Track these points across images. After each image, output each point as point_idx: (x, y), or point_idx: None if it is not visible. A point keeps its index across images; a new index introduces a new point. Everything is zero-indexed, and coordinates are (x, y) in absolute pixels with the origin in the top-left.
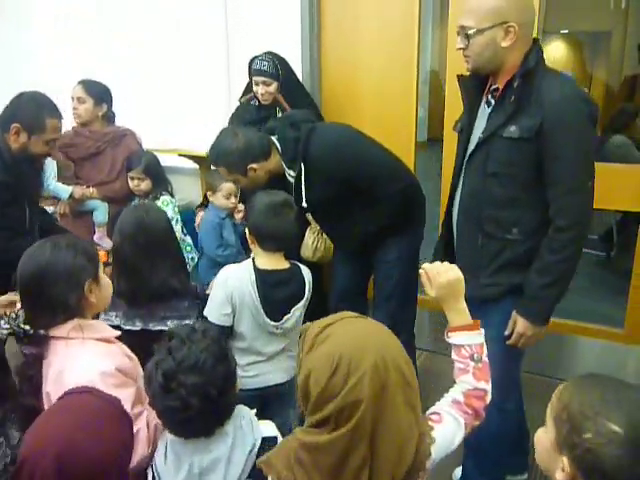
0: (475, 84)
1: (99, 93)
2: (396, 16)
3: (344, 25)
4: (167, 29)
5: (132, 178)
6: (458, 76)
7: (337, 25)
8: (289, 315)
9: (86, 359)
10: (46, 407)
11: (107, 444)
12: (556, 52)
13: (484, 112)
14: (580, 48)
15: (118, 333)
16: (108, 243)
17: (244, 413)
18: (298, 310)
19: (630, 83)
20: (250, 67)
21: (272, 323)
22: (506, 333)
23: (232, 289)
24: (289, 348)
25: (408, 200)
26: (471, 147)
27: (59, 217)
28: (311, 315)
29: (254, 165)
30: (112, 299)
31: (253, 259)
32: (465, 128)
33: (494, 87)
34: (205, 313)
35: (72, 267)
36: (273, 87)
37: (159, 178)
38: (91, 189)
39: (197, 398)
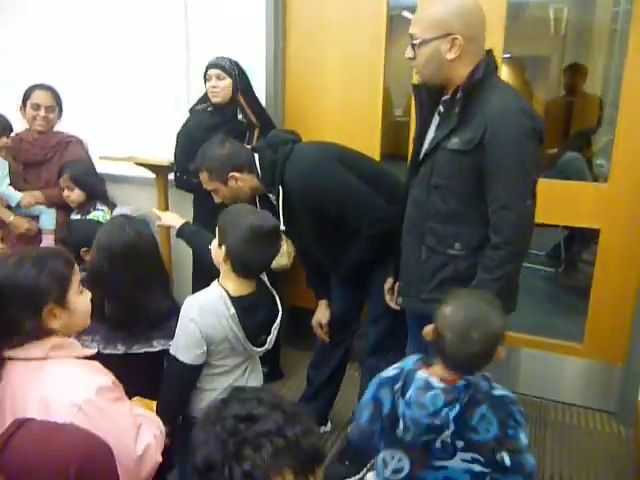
0: (429, 94)
1: (61, 101)
2: (363, 28)
3: (310, 36)
4: (126, 34)
5: (62, 187)
6: (413, 85)
7: (302, 35)
8: (271, 336)
9: (75, 376)
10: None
11: None
12: (501, 75)
13: (435, 123)
14: (522, 71)
15: (94, 351)
16: None
17: None
18: (277, 328)
19: (567, 105)
20: (206, 71)
21: (258, 349)
22: None
23: (207, 326)
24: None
25: (383, 234)
26: (419, 158)
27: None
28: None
29: (236, 174)
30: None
31: (222, 285)
32: (417, 139)
33: (444, 98)
34: (173, 352)
35: (32, 288)
36: (226, 83)
37: (91, 189)
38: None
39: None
